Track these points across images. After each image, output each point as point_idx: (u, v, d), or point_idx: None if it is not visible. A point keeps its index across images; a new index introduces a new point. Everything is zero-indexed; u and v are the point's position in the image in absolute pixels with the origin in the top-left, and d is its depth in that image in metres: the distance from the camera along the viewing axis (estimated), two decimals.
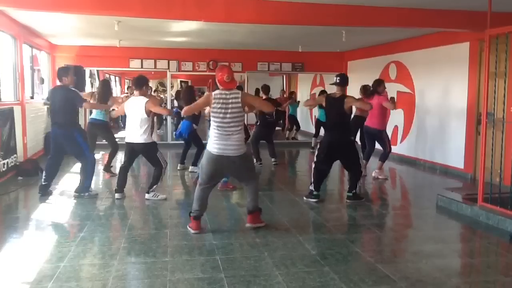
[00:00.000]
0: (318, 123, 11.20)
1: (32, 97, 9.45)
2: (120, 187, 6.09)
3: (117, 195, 6.07)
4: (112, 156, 7.69)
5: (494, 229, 4.97)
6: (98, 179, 7.64)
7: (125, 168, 6.13)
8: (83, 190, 6.15)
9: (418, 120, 9.06)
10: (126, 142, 5.99)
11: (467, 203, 5.54)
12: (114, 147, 7.64)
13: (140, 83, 5.95)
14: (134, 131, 5.83)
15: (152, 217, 5.43)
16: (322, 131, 11.10)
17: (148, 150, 5.97)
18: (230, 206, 6.07)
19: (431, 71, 8.87)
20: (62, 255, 4.00)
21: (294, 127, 13.78)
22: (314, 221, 5.09)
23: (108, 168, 7.76)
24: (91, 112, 7.93)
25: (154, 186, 6.10)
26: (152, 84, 14.24)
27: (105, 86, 7.58)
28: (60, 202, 5.94)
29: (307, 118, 15.12)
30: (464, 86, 7.94)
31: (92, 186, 6.35)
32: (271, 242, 4.43)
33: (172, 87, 13.65)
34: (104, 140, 7.83)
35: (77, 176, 6.55)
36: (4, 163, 7.06)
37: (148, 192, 6.11)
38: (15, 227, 4.89)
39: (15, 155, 7.60)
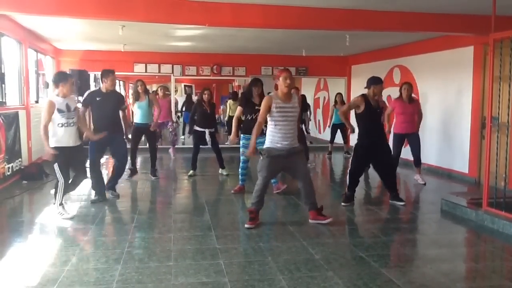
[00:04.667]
0: (335, 127, 11.07)
1: (37, 101, 9.50)
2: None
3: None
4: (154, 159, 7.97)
5: (499, 233, 4.95)
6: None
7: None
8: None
9: (422, 124, 9.02)
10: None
11: (471, 208, 5.51)
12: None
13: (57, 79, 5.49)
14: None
15: (156, 221, 5.43)
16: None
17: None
18: (235, 210, 6.06)
19: (435, 75, 8.86)
20: (66, 259, 4.01)
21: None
22: (318, 226, 5.08)
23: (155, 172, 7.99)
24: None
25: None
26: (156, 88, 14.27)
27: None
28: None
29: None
30: (469, 90, 7.92)
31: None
32: (275, 246, 4.43)
33: (176, 91, 13.70)
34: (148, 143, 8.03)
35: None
36: (8, 167, 7.09)
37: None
38: (20, 231, 4.91)
39: (19, 159, 7.63)
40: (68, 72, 5.86)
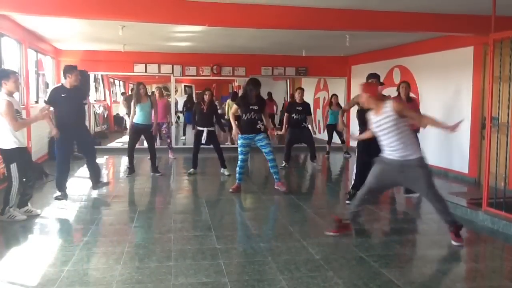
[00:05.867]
0: (330, 128, 11.01)
1: (37, 102, 9.50)
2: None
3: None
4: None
5: (499, 234, 4.95)
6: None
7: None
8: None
9: None
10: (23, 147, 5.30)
11: (471, 208, 5.51)
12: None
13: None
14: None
15: (156, 221, 5.43)
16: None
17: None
18: (235, 210, 6.06)
19: (435, 75, 8.85)
20: (66, 259, 4.01)
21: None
22: (318, 226, 5.08)
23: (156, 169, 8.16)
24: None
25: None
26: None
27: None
28: (64, 207, 5.95)
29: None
30: (469, 90, 7.92)
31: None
32: (275, 246, 4.43)
33: (176, 91, 13.70)
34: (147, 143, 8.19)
35: (81, 180, 6.57)
36: None
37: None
38: (20, 231, 4.91)
39: None
40: (11, 69, 5.67)
